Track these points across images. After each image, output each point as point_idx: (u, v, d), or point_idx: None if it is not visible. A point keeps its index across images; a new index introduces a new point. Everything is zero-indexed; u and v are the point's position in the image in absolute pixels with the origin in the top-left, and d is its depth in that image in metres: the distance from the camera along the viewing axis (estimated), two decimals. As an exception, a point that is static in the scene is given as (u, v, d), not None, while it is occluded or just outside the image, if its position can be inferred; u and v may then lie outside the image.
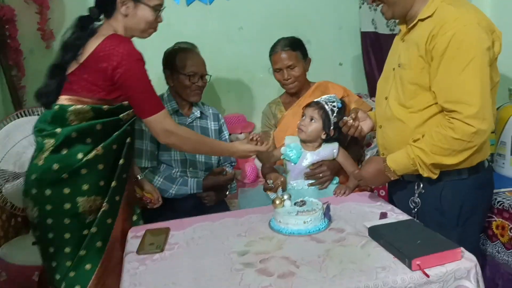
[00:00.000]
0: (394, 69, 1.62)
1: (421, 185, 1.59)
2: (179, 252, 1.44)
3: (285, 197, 1.62)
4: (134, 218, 1.79)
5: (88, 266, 1.60)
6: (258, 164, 2.57)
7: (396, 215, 1.61)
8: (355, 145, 2.21)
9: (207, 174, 2.26)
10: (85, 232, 1.60)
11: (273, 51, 2.25)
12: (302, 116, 1.98)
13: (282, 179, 1.99)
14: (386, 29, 2.98)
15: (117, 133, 1.64)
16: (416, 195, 1.60)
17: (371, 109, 2.21)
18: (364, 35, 3.19)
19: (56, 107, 1.60)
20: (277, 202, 1.59)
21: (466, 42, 1.39)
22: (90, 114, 1.59)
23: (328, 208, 1.62)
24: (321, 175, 1.95)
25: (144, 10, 1.63)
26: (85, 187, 1.59)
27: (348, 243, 1.43)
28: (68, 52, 1.61)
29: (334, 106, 1.94)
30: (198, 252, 1.44)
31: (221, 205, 2.22)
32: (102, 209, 1.61)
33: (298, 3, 3.14)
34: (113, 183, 1.63)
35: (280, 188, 1.72)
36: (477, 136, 1.41)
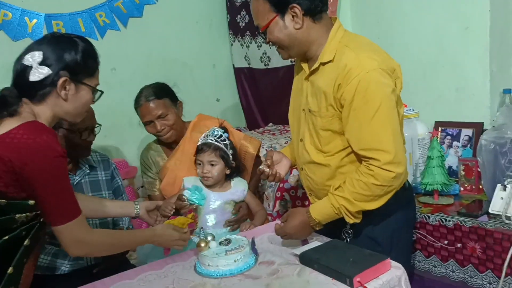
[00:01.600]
0: (303, 110, 1.62)
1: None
2: (105, 321, 1.24)
3: (209, 238, 1.54)
4: None
5: None
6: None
7: (315, 238, 1.65)
8: (254, 181, 2.20)
9: None
10: None
11: (137, 103, 2.10)
12: (197, 162, 1.91)
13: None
14: (260, 64, 3.14)
15: (6, 237, 1.21)
16: (348, 226, 1.58)
17: (260, 144, 2.25)
18: (238, 71, 3.31)
19: None
20: (202, 245, 1.50)
21: (371, 90, 1.40)
22: None
23: (253, 242, 1.58)
24: (242, 218, 1.92)
25: (86, 92, 1.36)
26: None
27: (283, 274, 1.41)
28: None
29: (224, 140, 1.93)
30: (127, 316, 1.26)
31: (123, 263, 1.97)
32: None
33: (171, 44, 3.11)
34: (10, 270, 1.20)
35: (200, 229, 1.63)
36: (396, 179, 1.44)
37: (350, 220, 1.51)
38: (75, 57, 1.32)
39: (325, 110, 1.51)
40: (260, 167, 1.73)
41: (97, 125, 1.97)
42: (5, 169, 1.20)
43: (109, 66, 2.91)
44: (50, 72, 1.29)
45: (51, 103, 1.33)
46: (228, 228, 1.91)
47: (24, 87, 1.31)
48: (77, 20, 2.75)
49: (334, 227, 1.61)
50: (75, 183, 1.94)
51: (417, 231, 1.91)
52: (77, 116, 1.42)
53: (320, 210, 1.54)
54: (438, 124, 2.38)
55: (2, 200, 1.21)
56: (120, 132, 2.97)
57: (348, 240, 1.61)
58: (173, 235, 1.55)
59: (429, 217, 1.88)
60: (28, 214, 1.25)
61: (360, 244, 1.52)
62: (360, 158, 1.50)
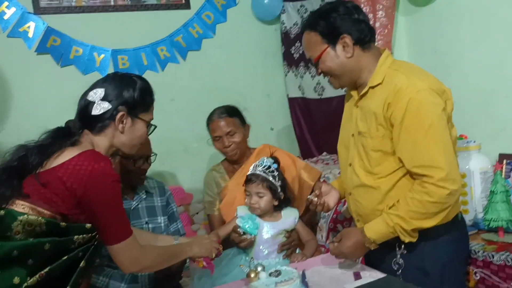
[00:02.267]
0: (353, 135, 1.64)
1: (402, 246, 1.56)
2: None
3: (259, 269, 1.54)
4: None
5: None
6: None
7: (369, 273, 1.60)
8: (310, 213, 2.20)
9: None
10: None
11: (210, 120, 2.23)
12: (246, 193, 1.93)
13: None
14: (314, 94, 3.15)
15: (65, 257, 1.30)
16: (399, 256, 1.57)
17: (321, 174, 2.25)
18: (292, 101, 3.34)
19: (2, 212, 1.29)
20: (252, 275, 1.51)
21: (422, 109, 1.43)
22: (41, 228, 1.29)
23: (304, 275, 1.56)
24: (293, 243, 1.90)
25: (142, 126, 1.50)
26: None
27: (334, 310, 1.37)
28: (38, 155, 1.37)
29: (272, 171, 1.93)
30: None
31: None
32: None
33: (226, 75, 3.21)
34: None
35: (250, 259, 1.63)
36: (451, 196, 1.44)
37: (406, 238, 1.50)
38: (133, 94, 1.46)
39: (375, 130, 1.53)
40: (309, 196, 1.76)
41: (152, 154, 2.06)
42: (68, 194, 1.30)
43: (168, 96, 3.05)
44: (110, 107, 1.43)
45: (109, 135, 1.46)
46: (279, 259, 1.88)
47: (86, 120, 1.46)
48: (140, 55, 2.92)
49: (383, 258, 1.59)
50: (132, 208, 2.03)
51: (480, 270, 1.80)
52: (132, 148, 1.53)
53: (375, 229, 1.53)
54: (502, 157, 2.25)
55: (63, 223, 1.30)
56: (175, 159, 3.07)
57: (399, 271, 1.57)
58: (205, 240, 1.67)
59: (493, 256, 1.76)
60: (84, 235, 1.35)
61: (410, 275, 1.50)
62: (413, 177, 1.50)
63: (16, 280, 1.23)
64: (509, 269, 1.71)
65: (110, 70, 2.83)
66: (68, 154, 1.36)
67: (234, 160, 2.22)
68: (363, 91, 1.59)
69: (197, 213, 2.99)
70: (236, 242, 1.89)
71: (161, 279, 1.96)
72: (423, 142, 1.44)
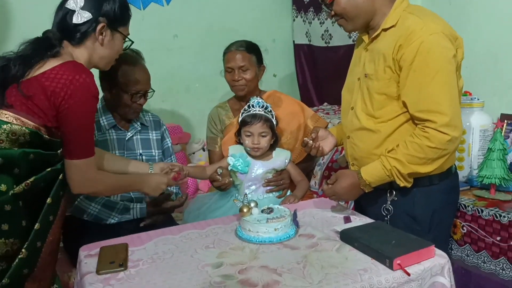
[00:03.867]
0: (359, 79, 1.62)
1: (394, 193, 1.58)
2: (146, 269, 1.30)
3: (252, 204, 1.55)
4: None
5: None
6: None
7: (359, 219, 1.63)
8: (310, 161, 2.21)
9: (151, 198, 2.01)
10: None
11: (227, 49, 2.18)
12: (246, 134, 1.90)
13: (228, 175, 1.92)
14: (321, 41, 3.08)
15: (49, 169, 1.34)
16: (389, 202, 1.59)
17: (327, 125, 2.24)
18: (298, 47, 3.27)
19: None
20: (245, 210, 1.52)
21: (433, 52, 1.41)
22: (25, 138, 1.31)
23: (295, 214, 1.58)
24: (281, 182, 1.91)
25: (120, 39, 1.53)
26: (4, 227, 1.27)
27: (322, 248, 1.40)
28: (21, 65, 1.35)
29: (270, 111, 1.93)
30: (167, 267, 1.31)
31: (168, 222, 2.04)
32: (19, 256, 1.29)
33: (233, 15, 3.13)
34: (36, 226, 1.32)
35: (243, 195, 1.65)
36: (451, 143, 1.44)
37: (401, 183, 1.51)
38: (113, 7, 1.48)
39: (382, 72, 1.51)
40: (305, 138, 1.76)
41: (150, 91, 2.03)
42: (48, 105, 1.32)
43: (172, 33, 2.98)
44: (91, 17, 1.43)
45: (89, 47, 1.47)
46: (267, 195, 1.91)
47: (65, 30, 1.45)
48: (146, -15, 2.81)
49: (373, 204, 1.61)
50: (126, 138, 2.03)
51: (468, 223, 1.83)
52: (108, 63, 1.56)
53: (371, 171, 1.53)
54: (504, 116, 2.23)
55: (46, 136, 1.34)
56: (176, 98, 3.05)
57: (388, 217, 1.60)
58: (155, 180, 1.69)
59: (482, 210, 1.79)
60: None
61: (399, 221, 1.52)
62: (415, 123, 1.49)
63: (3, 187, 1.27)
64: (497, 224, 1.74)
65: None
66: (49, 65, 1.35)
67: (240, 96, 2.19)
68: (375, 34, 1.56)
69: (193, 153, 3.01)
70: (215, 187, 1.93)
71: (153, 211, 1.99)
72: (429, 86, 1.42)
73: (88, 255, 1.40)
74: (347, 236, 1.44)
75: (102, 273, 1.27)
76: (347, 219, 1.63)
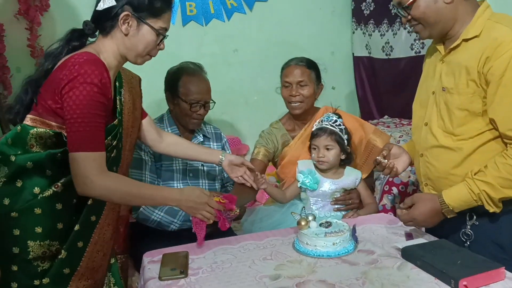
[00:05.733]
0: (434, 93, 1.53)
1: (474, 217, 1.47)
2: (205, 277, 1.34)
3: (310, 218, 1.55)
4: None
5: None
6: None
7: (421, 236, 1.57)
8: (370, 177, 2.17)
9: None
10: (36, 282, 1.32)
11: (286, 64, 2.17)
12: (312, 147, 1.90)
13: None
14: (381, 54, 3.03)
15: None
16: (468, 227, 1.47)
17: (389, 139, 2.17)
18: (357, 60, 3.23)
19: (19, 127, 1.33)
20: (303, 223, 1.52)
21: None
22: (52, 140, 1.32)
23: (354, 229, 1.56)
24: (350, 201, 1.89)
25: (148, 31, 1.41)
26: (38, 229, 1.30)
27: (382, 265, 1.37)
28: (44, 65, 1.38)
29: (339, 125, 1.90)
30: (225, 277, 1.33)
31: (226, 232, 2.07)
32: (59, 256, 1.32)
33: (292, 29, 3.15)
34: (76, 227, 1.33)
35: (302, 208, 1.64)
36: None
37: (491, 209, 1.39)
38: None
39: (465, 86, 1.40)
40: (378, 157, 1.65)
41: (210, 101, 2.08)
42: (56, 98, 1.31)
43: (232, 47, 3.06)
44: (115, 3, 1.37)
45: (115, 37, 1.40)
46: (331, 212, 1.89)
47: (95, 19, 1.42)
48: (207, 2, 2.91)
49: (450, 228, 1.50)
50: None
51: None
52: (137, 56, 1.45)
53: (456, 196, 1.42)
54: None
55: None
56: (235, 111, 3.11)
57: (467, 243, 1.48)
58: (201, 196, 1.47)
59: None
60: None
61: (482, 249, 1.40)
62: (504, 141, 1.38)
63: (37, 190, 1.30)
64: None
65: (178, 16, 2.86)
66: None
67: (295, 115, 2.15)
68: (454, 44, 1.45)
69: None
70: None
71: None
72: None
73: (151, 261, 1.46)
74: (409, 254, 1.40)
75: (164, 279, 1.32)
76: (409, 236, 1.57)
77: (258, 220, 2.09)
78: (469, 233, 1.48)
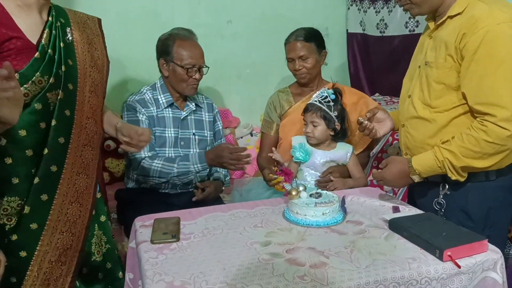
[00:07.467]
0: (419, 67, 1.58)
1: (446, 187, 1.54)
2: (197, 242, 1.35)
3: (301, 188, 1.57)
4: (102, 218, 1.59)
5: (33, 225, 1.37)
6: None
7: (408, 209, 1.61)
8: (364, 152, 2.20)
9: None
10: (5, 240, 1.33)
11: (287, 40, 2.21)
12: (304, 122, 1.95)
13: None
14: (375, 31, 3.02)
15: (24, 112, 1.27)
16: (441, 196, 1.55)
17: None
18: (351, 36, 3.22)
19: None
20: (293, 193, 1.54)
21: (498, 42, 1.34)
22: None
23: (343, 200, 1.59)
24: (330, 179, 1.92)
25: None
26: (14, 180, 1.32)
27: (370, 235, 1.40)
28: None
29: (328, 101, 1.92)
30: (217, 242, 1.36)
31: (216, 200, 2.11)
32: (24, 212, 1.34)
33: (286, 3, 3.12)
34: (35, 180, 1.35)
35: (295, 178, 1.67)
36: (510, 139, 1.37)
37: (453, 176, 1.46)
38: None
39: (443, 60, 1.46)
40: (360, 118, 1.73)
41: (204, 66, 2.09)
42: None
43: (225, 18, 3.02)
44: None
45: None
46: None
47: None
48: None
49: (425, 197, 1.57)
50: (181, 117, 2.12)
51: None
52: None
53: (423, 161, 1.50)
54: None
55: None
56: (227, 83, 3.09)
57: (442, 211, 1.55)
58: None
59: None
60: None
61: (452, 216, 1.47)
62: (474, 115, 1.44)
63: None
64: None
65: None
66: None
67: (302, 83, 2.22)
68: (440, 21, 1.51)
69: (241, 137, 3.05)
70: (266, 180, 1.99)
71: (211, 159, 1.99)
72: (491, 78, 1.36)
73: (143, 226, 1.47)
74: (396, 225, 1.43)
75: (156, 243, 1.33)
76: (395, 209, 1.61)
77: (246, 192, 2.12)
78: (441, 202, 1.56)
